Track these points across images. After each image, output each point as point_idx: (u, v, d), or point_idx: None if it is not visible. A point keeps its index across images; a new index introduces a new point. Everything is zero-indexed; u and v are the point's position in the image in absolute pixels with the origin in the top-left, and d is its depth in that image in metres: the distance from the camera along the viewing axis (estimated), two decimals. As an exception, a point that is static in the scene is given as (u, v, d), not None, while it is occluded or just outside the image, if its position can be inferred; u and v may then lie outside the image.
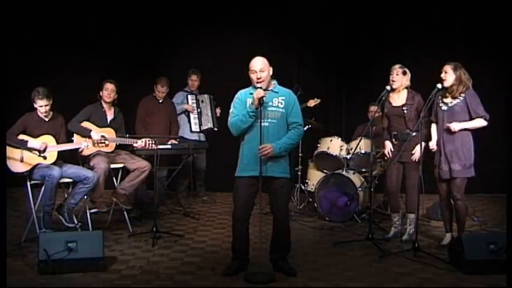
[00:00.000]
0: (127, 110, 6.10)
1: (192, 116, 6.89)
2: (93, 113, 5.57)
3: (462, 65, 4.91)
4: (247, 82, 4.29)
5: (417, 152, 5.04)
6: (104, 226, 5.60)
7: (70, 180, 5.19)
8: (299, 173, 6.81)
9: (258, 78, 4.12)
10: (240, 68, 4.37)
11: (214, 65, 7.44)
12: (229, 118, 4.24)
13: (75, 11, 7.44)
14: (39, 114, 5.12)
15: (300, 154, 6.76)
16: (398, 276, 4.26)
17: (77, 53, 7.50)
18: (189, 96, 6.90)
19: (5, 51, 4.99)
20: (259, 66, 4.14)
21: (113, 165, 5.49)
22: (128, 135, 5.57)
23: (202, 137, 6.99)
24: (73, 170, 5.14)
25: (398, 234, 5.34)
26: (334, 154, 6.36)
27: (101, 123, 5.57)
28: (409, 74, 5.20)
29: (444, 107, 4.92)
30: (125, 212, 5.55)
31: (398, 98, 5.21)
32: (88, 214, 5.31)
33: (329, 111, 7.84)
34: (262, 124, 4.07)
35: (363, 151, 6.21)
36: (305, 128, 6.62)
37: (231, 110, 4.25)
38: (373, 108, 6.60)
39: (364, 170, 6.38)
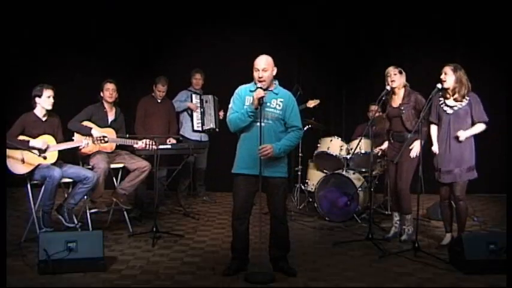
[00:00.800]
0: (127, 110, 6.10)
1: (194, 115, 6.88)
2: (95, 113, 5.57)
3: (462, 65, 4.92)
4: (247, 82, 4.29)
5: (415, 147, 5.03)
6: (104, 226, 5.60)
7: (70, 180, 5.19)
8: (299, 173, 6.81)
9: (259, 77, 4.12)
10: (240, 68, 4.38)
11: (214, 65, 7.44)
12: (228, 113, 4.24)
13: (75, 11, 7.44)
14: (36, 113, 5.11)
15: (300, 154, 6.76)
16: (398, 276, 4.27)
17: (77, 53, 7.50)
18: (194, 96, 6.90)
19: (5, 51, 4.98)
20: (263, 65, 4.12)
21: (113, 165, 5.50)
22: (128, 136, 5.58)
23: (204, 137, 6.98)
24: (73, 170, 5.14)
25: (398, 234, 5.34)
26: (334, 154, 6.37)
27: (102, 123, 5.57)
28: (404, 74, 5.21)
29: (449, 111, 4.91)
30: (125, 212, 5.55)
31: (398, 99, 5.22)
32: (88, 214, 5.31)
33: (329, 111, 7.84)
34: (261, 124, 4.07)
35: (363, 151, 6.21)
36: (305, 128, 6.67)
37: (230, 106, 4.25)
38: (373, 107, 6.60)
39: (364, 170, 6.38)
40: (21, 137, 5.01)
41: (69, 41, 7.48)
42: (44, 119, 5.16)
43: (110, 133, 5.53)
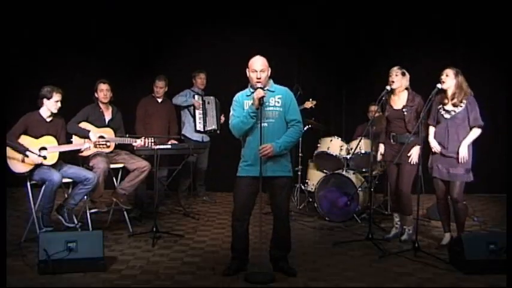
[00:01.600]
0: (127, 110, 6.11)
1: (197, 115, 6.87)
2: (91, 114, 5.57)
3: (462, 66, 4.92)
4: (247, 82, 4.29)
5: (414, 154, 5.03)
6: (104, 226, 5.60)
7: (70, 180, 5.19)
8: (299, 173, 6.81)
9: (258, 78, 4.12)
10: (240, 68, 4.37)
11: (214, 65, 7.44)
12: (230, 121, 4.25)
13: (75, 11, 7.43)
14: (41, 113, 5.12)
15: (300, 154, 6.76)
16: (398, 276, 4.27)
17: (77, 53, 7.50)
18: (196, 96, 6.89)
19: (5, 51, 4.98)
20: (260, 66, 4.13)
21: (112, 165, 5.50)
22: (127, 135, 5.58)
23: (205, 138, 6.98)
24: (73, 171, 5.14)
25: (399, 234, 5.34)
26: (334, 154, 6.37)
27: (99, 123, 5.57)
28: (408, 75, 5.19)
29: (447, 115, 4.91)
30: (125, 212, 5.56)
31: (399, 100, 5.20)
32: (88, 214, 5.31)
33: (329, 111, 7.84)
34: (262, 124, 4.07)
35: (363, 151, 6.21)
36: (305, 128, 6.67)
37: (231, 113, 4.26)
38: (373, 108, 6.60)
39: (364, 170, 6.38)
40: (23, 138, 5.00)
41: (69, 41, 7.48)
42: (48, 119, 5.16)
43: (108, 133, 5.53)
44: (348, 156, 6.27)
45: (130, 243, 5.11)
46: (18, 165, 4.95)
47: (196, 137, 6.88)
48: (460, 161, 4.82)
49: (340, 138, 6.49)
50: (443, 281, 4.18)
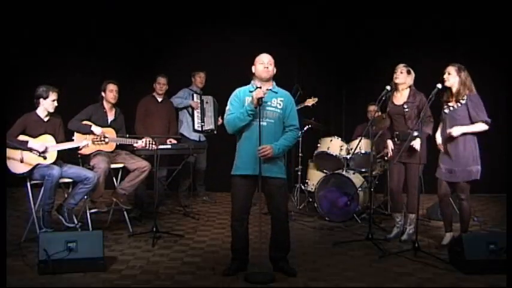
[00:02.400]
0: (127, 110, 6.10)
1: (195, 115, 6.87)
2: (94, 113, 5.58)
3: (464, 66, 4.91)
4: (247, 82, 4.29)
5: (416, 144, 5.00)
6: (104, 226, 5.60)
7: (70, 180, 5.19)
8: (299, 173, 6.81)
9: (265, 68, 4.16)
10: (240, 68, 4.38)
11: (214, 65, 7.44)
12: (225, 115, 4.24)
13: (75, 11, 7.44)
14: (38, 113, 5.12)
15: (300, 154, 6.76)
16: (398, 276, 4.26)
17: (77, 53, 7.51)
18: (194, 96, 6.89)
19: (5, 51, 4.98)
20: (268, 59, 4.21)
21: (113, 165, 5.50)
22: (128, 136, 5.58)
23: (202, 137, 6.98)
24: (73, 170, 5.14)
25: (400, 234, 5.34)
26: (334, 154, 6.37)
27: (102, 123, 5.58)
28: (413, 74, 5.19)
29: (446, 110, 4.92)
30: (125, 212, 5.56)
31: (401, 97, 5.20)
32: (88, 214, 5.31)
33: (329, 111, 7.85)
34: (261, 123, 4.08)
35: (363, 151, 6.21)
36: (305, 128, 6.68)
37: (227, 107, 4.25)
38: (372, 108, 6.61)
39: (364, 170, 6.38)
40: (21, 137, 5.01)
41: (69, 41, 7.49)
42: (45, 119, 5.16)
43: (110, 133, 5.53)
44: (348, 156, 6.27)
45: (130, 243, 5.11)
46: (17, 166, 4.95)
47: (194, 136, 6.88)
48: (448, 132, 4.76)
49: (340, 138, 6.49)
50: (443, 281, 4.18)
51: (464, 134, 4.80)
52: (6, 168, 4.87)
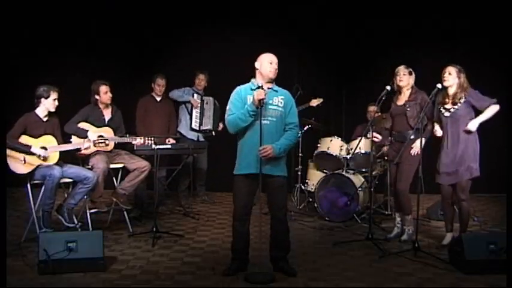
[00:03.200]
0: (127, 110, 6.10)
1: (194, 113, 6.86)
2: (91, 114, 5.57)
3: (462, 66, 4.91)
4: (247, 82, 4.29)
5: (416, 146, 5.02)
6: (104, 226, 5.60)
7: (70, 180, 5.19)
8: (299, 173, 6.81)
9: (274, 68, 4.18)
10: (240, 68, 4.38)
11: (214, 65, 7.43)
12: (226, 115, 4.23)
13: (75, 11, 7.43)
14: (37, 113, 5.12)
15: (300, 154, 6.76)
16: (398, 276, 4.26)
17: (77, 53, 7.51)
18: (195, 95, 6.89)
19: (5, 51, 4.98)
20: (276, 60, 4.23)
21: (112, 165, 5.50)
22: (127, 134, 5.58)
23: (201, 137, 6.97)
24: (73, 170, 5.14)
25: (400, 234, 5.34)
26: (334, 154, 6.37)
27: (99, 123, 5.57)
28: (413, 75, 5.20)
29: (446, 113, 4.91)
30: (125, 212, 5.56)
31: (404, 97, 5.20)
32: (88, 214, 5.31)
33: (329, 111, 7.84)
34: (262, 122, 4.07)
35: (363, 151, 6.21)
36: (305, 128, 6.68)
37: (228, 107, 4.23)
38: (372, 108, 6.60)
39: (364, 170, 6.38)
40: (23, 139, 5.00)
41: (69, 41, 7.48)
42: (45, 119, 5.16)
43: (107, 132, 5.53)
44: (348, 156, 6.27)
45: (130, 243, 5.11)
46: (20, 166, 4.95)
47: (192, 135, 6.86)
48: (467, 129, 4.78)
49: (340, 138, 6.49)
50: (443, 281, 4.18)
51: (467, 133, 4.81)
52: (7, 168, 4.87)
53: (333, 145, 6.42)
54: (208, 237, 5.43)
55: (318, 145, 6.59)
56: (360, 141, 5.64)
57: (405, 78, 5.14)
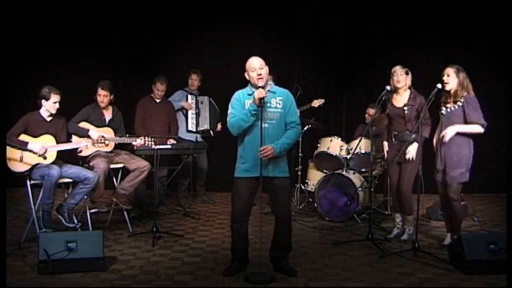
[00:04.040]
0: (127, 110, 6.10)
1: (189, 115, 6.85)
2: (91, 114, 5.57)
3: (462, 65, 4.90)
4: (246, 82, 4.28)
5: (412, 150, 5.02)
6: (104, 226, 5.60)
7: (70, 180, 5.19)
8: (299, 173, 6.81)
9: (259, 75, 4.11)
10: (240, 68, 4.37)
11: (214, 65, 7.44)
12: (228, 119, 4.22)
13: (76, 11, 7.43)
14: (41, 113, 5.13)
15: (300, 154, 6.76)
16: (398, 276, 4.27)
17: (77, 53, 7.50)
18: (189, 96, 6.88)
19: (5, 51, 4.99)
20: (258, 64, 4.14)
21: (112, 165, 5.50)
22: (127, 135, 5.58)
23: (199, 138, 6.95)
24: (73, 170, 5.14)
25: (400, 234, 5.34)
26: (334, 154, 6.36)
27: (99, 123, 5.58)
28: (410, 75, 5.19)
29: (443, 111, 4.91)
30: (125, 212, 5.56)
31: (401, 99, 5.20)
32: (88, 214, 5.31)
33: (329, 111, 7.84)
34: (262, 125, 4.06)
35: (363, 151, 6.21)
36: (305, 128, 6.68)
37: (229, 111, 4.23)
38: (371, 111, 6.59)
39: (364, 170, 6.38)
40: (21, 137, 5.01)
41: (69, 40, 7.48)
42: (48, 119, 5.17)
43: (107, 132, 5.53)
44: (348, 156, 6.27)
45: (130, 243, 5.11)
46: (17, 164, 4.96)
47: (189, 136, 6.82)
48: (441, 136, 4.77)
49: (340, 138, 6.48)
50: (443, 281, 4.18)
51: (460, 136, 4.78)
52: (6, 168, 4.87)
53: (333, 145, 6.42)
54: (208, 237, 5.43)
55: (318, 145, 6.59)
56: (360, 141, 5.63)
57: (402, 79, 5.14)
